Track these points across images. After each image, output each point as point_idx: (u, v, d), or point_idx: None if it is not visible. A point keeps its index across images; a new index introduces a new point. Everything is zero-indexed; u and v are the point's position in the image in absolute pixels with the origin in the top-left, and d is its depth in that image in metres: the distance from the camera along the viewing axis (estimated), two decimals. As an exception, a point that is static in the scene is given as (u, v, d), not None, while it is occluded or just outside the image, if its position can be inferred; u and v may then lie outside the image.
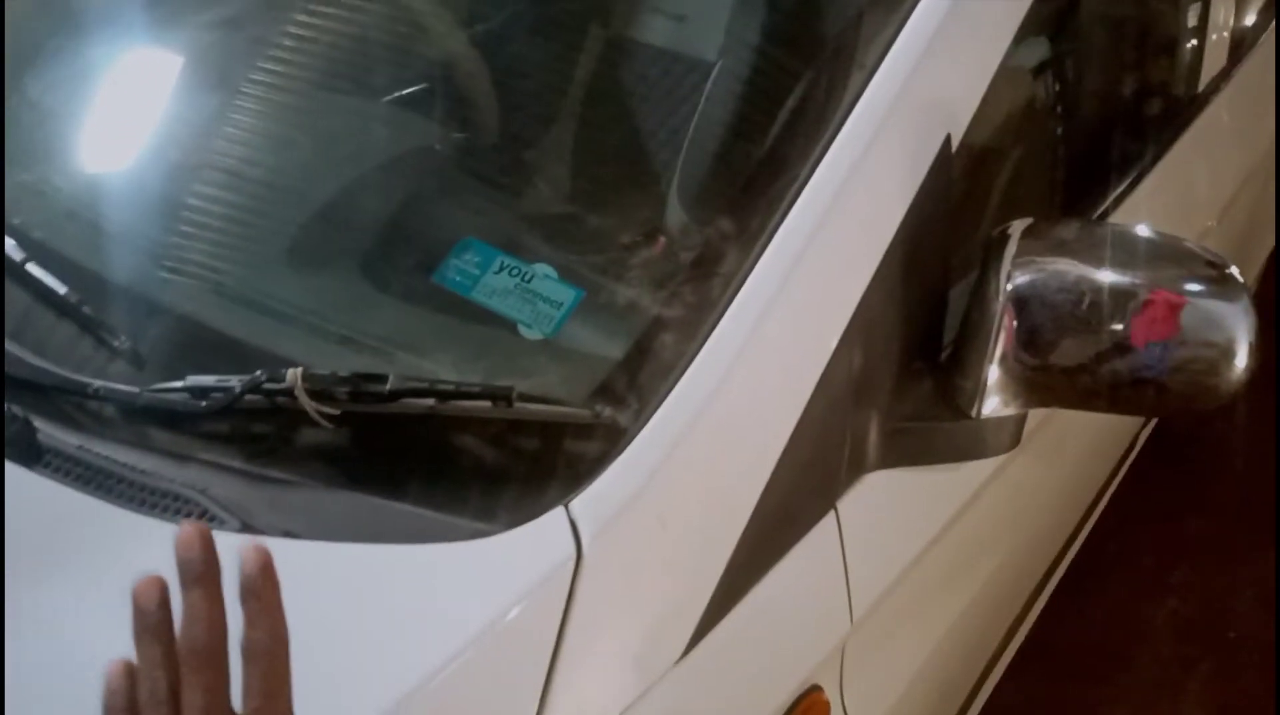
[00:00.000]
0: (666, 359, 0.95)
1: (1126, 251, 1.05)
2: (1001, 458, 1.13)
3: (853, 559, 1.03)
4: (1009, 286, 1.02)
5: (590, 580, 0.85)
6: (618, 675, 0.88)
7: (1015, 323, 1.02)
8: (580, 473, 0.90)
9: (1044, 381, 1.04)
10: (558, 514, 0.87)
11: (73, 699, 0.83)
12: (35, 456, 0.96)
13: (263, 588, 0.59)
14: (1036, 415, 1.14)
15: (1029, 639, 1.64)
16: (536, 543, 0.86)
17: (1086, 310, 1.02)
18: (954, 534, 1.17)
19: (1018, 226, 1.07)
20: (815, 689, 1.03)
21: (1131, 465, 1.93)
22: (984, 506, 1.21)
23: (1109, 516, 1.88)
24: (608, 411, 0.93)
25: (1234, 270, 1.05)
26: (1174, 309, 1.01)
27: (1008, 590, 1.47)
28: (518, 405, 0.93)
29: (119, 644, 0.85)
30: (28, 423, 0.97)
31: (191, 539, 0.58)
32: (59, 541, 0.93)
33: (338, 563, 0.88)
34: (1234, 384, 1.02)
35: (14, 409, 0.97)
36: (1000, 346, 1.03)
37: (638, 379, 0.95)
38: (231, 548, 0.88)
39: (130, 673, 0.58)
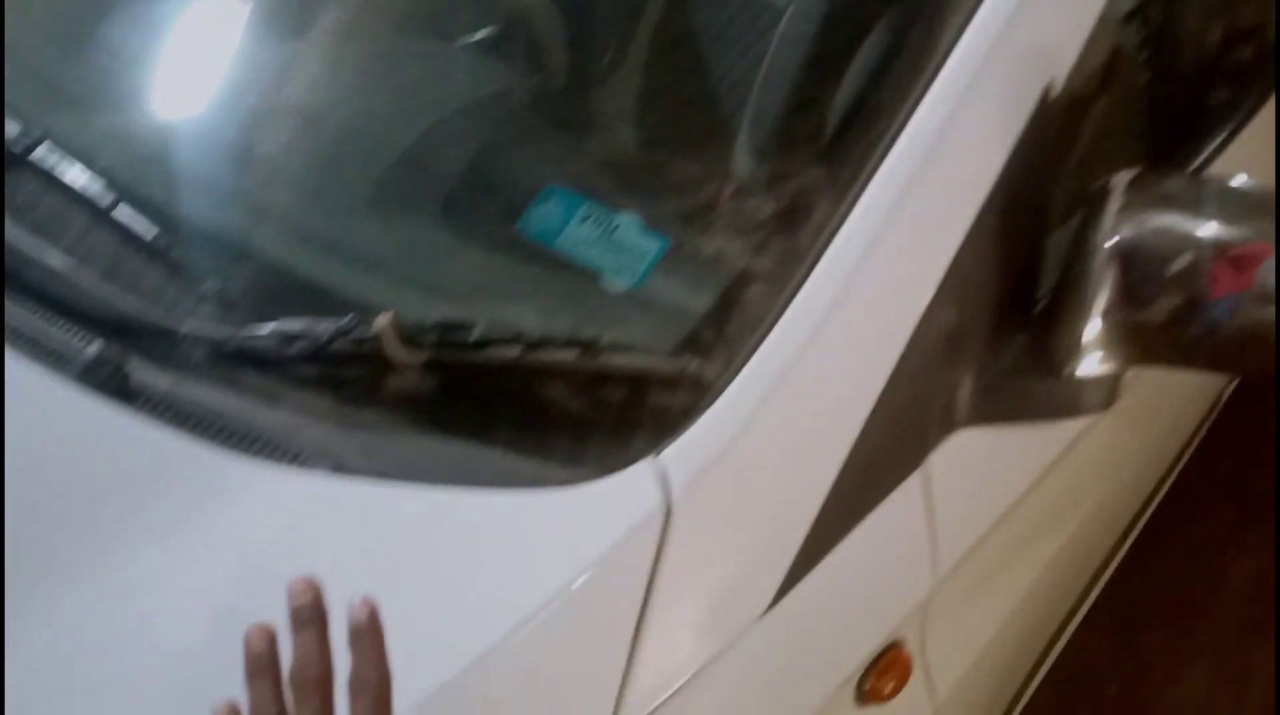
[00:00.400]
0: (756, 311, 0.94)
1: (1233, 205, 1.01)
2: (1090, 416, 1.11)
3: (939, 515, 1.02)
4: (1112, 241, 0.99)
5: (679, 531, 0.85)
6: (703, 628, 0.88)
7: (1117, 278, 0.99)
8: (669, 424, 0.89)
9: (1144, 339, 1.01)
10: (648, 464, 0.87)
11: (171, 624, 0.85)
12: (128, 396, 0.97)
13: (369, 631, 0.66)
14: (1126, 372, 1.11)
15: (1105, 589, 1.62)
16: (626, 492, 0.86)
17: (1189, 266, 0.99)
18: (1040, 491, 1.15)
19: (1121, 179, 1.03)
20: (896, 644, 1.03)
21: (1215, 419, 1.90)
22: (1071, 464, 1.18)
23: (1189, 470, 1.85)
24: (697, 363, 0.92)
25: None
26: (1254, 261, 0.97)
27: (1090, 546, 1.45)
28: (605, 356, 0.92)
29: (210, 578, 0.88)
30: (120, 363, 0.98)
31: (303, 588, 0.66)
32: (154, 478, 0.94)
33: (427, 506, 0.89)
34: None
35: (107, 349, 0.98)
36: (1100, 303, 1.00)
37: (726, 331, 0.94)
38: (327, 486, 0.90)
39: (236, 712, 0.65)
